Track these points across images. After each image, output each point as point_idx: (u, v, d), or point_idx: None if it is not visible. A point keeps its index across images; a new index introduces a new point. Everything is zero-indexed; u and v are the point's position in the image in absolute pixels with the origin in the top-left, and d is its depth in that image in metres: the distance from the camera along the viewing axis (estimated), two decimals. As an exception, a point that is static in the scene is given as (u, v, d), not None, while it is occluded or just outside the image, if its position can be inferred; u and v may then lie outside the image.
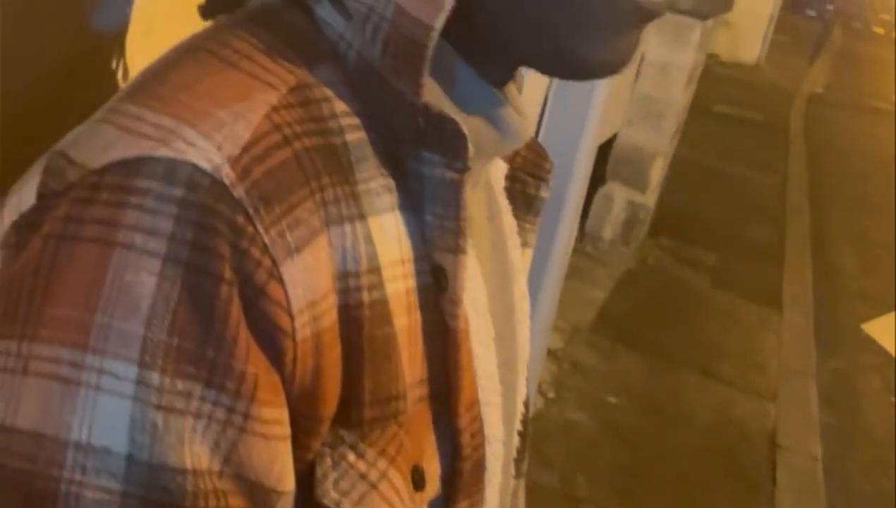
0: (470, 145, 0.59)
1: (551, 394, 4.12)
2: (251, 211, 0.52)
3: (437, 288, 0.62)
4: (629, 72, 2.67)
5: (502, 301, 0.77)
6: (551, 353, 4.39)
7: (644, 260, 5.81)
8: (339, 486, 0.59)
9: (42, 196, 0.53)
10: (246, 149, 0.53)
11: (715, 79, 11.09)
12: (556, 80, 2.24)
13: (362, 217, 0.58)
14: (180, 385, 0.51)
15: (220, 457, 0.52)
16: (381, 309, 0.59)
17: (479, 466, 0.68)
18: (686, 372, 4.61)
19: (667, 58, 5.43)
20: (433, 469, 0.64)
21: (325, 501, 0.58)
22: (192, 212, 0.51)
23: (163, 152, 0.51)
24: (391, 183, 0.60)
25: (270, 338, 0.53)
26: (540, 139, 2.26)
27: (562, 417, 3.98)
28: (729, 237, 6.48)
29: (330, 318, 0.56)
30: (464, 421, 0.65)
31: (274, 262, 0.52)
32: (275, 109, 0.55)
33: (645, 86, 5.48)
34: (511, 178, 0.83)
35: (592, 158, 2.41)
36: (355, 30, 0.60)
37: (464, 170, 0.59)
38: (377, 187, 0.59)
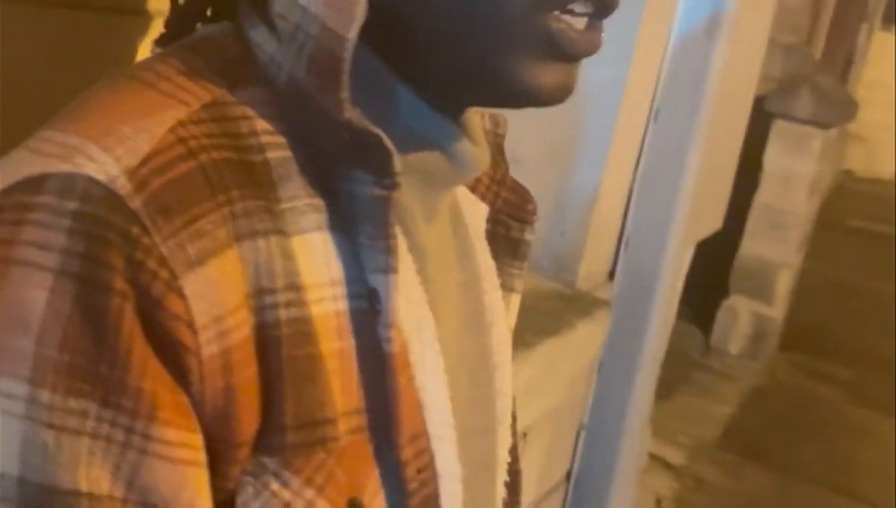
0: (396, 160, 0.58)
1: (673, 511, 3.98)
2: (147, 222, 0.51)
3: (371, 311, 0.60)
4: (724, 167, 2.63)
5: (476, 341, 0.76)
6: (672, 468, 4.26)
7: (774, 375, 5.62)
8: None
9: None
10: (145, 161, 0.52)
11: (850, 194, 10.83)
12: (640, 173, 2.22)
13: (281, 233, 0.57)
14: (74, 403, 0.50)
15: (122, 482, 0.51)
16: (303, 327, 0.57)
17: (430, 503, 0.65)
18: (819, 489, 4.39)
19: (787, 167, 5.34)
20: (378, 506, 0.62)
21: None
22: (85, 223, 0.50)
23: (63, 168, 0.52)
24: (320, 203, 0.60)
25: (172, 355, 0.52)
26: (626, 234, 2.24)
27: (683, 535, 3.83)
28: (865, 352, 6.23)
29: (240, 335, 0.54)
30: (407, 453, 0.62)
31: (173, 274, 0.51)
32: (181, 123, 0.55)
33: (766, 197, 5.40)
34: (493, 221, 0.82)
35: (684, 254, 2.37)
36: (285, 51, 0.60)
37: (392, 186, 0.58)
38: (302, 206, 0.59)
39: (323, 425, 0.58)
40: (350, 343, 0.60)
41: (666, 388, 4.84)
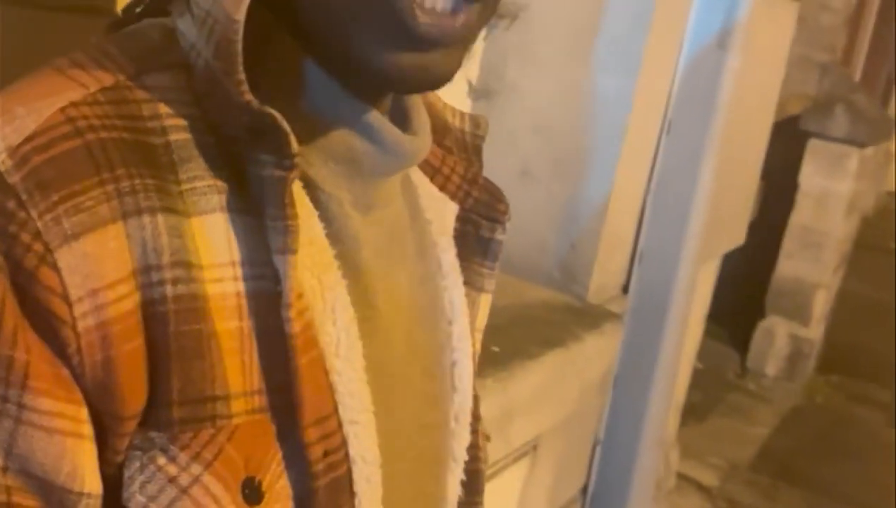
0: (293, 141, 0.58)
1: (704, 533, 3.93)
2: (25, 196, 0.53)
3: (276, 292, 0.60)
4: (743, 181, 2.61)
5: (432, 336, 0.75)
6: (704, 491, 4.21)
7: (811, 396, 5.55)
8: (145, 490, 0.57)
9: None
10: (29, 138, 0.54)
11: (893, 216, 10.70)
12: (653, 186, 2.21)
13: (172, 211, 0.57)
14: None
15: (0, 451, 0.53)
16: (192, 304, 0.58)
17: (339, 487, 0.64)
18: (854, 511, 4.33)
19: (823, 187, 5.30)
20: (280, 488, 0.62)
21: (131, 505, 0.57)
22: None
23: None
24: (225, 185, 0.60)
25: (48, 326, 0.53)
26: (640, 248, 2.23)
27: (715, 557, 3.79)
28: (903, 373, 6.14)
29: (121, 308, 0.55)
30: (311, 434, 0.62)
31: (47, 248, 0.53)
32: (74, 105, 0.56)
33: (802, 217, 5.35)
34: (463, 220, 0.81)
35: (704, 269, 2.35)
36: (201, 37, 0.61)
37: (289, 167, 0.59)
38: (203, 187, 0.59)
39: (213, 401, 0.58)
40: (251, 323, 0.60)
41: (701, 410, 4.80)
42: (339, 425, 0.63)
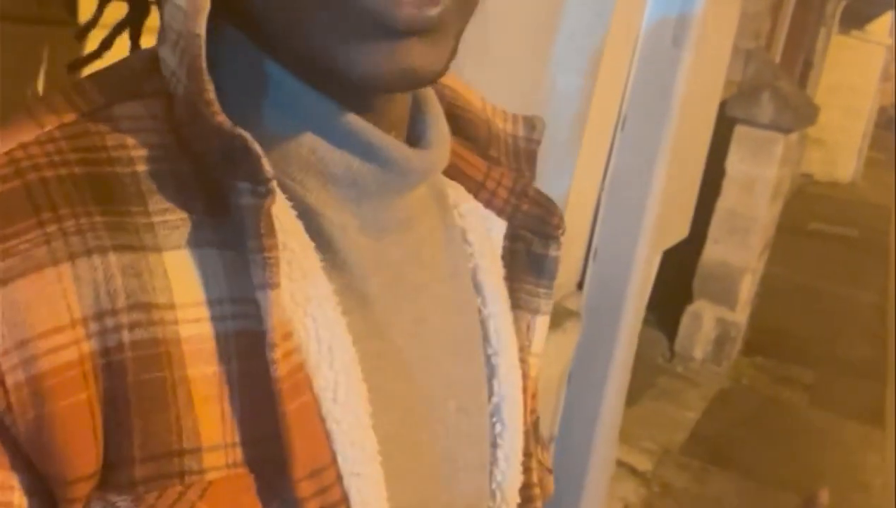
0: (265, 165, 0.52)
1: (640, 517, 3.98)
2: None
3: (262, 333, 0.54)
4: (690, 175, 2.63)
5: (468, 370, 0.69)
6: (639, 475, 4.26)
7: (738, 379, 5.65)
8: None
9: None
10: None
11: (810, 197, 10.94)
12: (607, 183, 2.22)
13: (126, 248, 0.52)
14: None
15: None
16: (153, 350, 0.52)
17: None
18: (783, 493, 4.41)
19: (750, 172, 5.37)
20: None
21: None
22: None
23: None
24: (200, 218, 0.55)
25: None
26: (595, 244, 2.23)
27: (651, 541, 3.84)
28: (827, 355, 6.28)
29: (55, 361, 0.50)
30: (305, 489, 0.55)
31: None
32: (23, 145, 0.53)
33: (729, 202, 5.42)
34: (512, 237, 0.74)
35: (652, 263, 2.36)
36: (176, 60, 0.57)
37: (264, 194, 0.53)
38: (176, 220, 0.54)
39: (179, 456, 0.53)
40: (232, 367, 0.54)
41: (632, 394, 4.85)
42: (339, 478, 0.57)
